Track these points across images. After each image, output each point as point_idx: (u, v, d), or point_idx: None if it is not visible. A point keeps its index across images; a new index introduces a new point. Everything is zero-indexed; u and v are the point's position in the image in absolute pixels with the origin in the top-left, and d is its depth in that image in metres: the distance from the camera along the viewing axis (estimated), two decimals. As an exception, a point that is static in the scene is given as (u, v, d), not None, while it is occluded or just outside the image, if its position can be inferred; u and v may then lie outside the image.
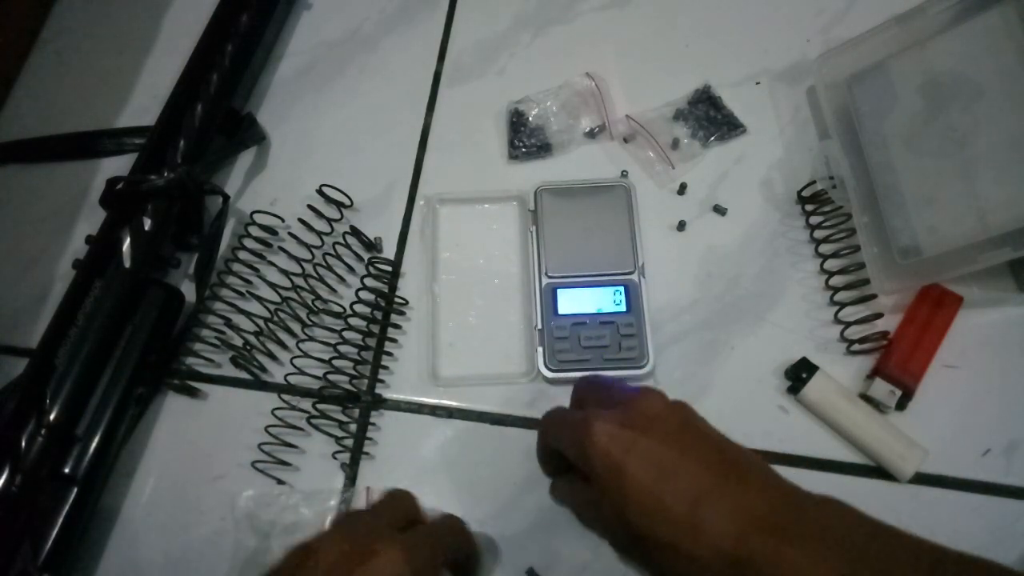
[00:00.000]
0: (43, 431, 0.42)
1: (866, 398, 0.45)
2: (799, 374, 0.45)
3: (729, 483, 0.31)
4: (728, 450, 0.33)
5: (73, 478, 0.42)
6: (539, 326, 0.47)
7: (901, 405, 0.44)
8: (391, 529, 0.36)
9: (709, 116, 0.54)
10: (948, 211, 0.44)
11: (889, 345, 0.46)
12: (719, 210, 0.52)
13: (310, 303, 0.49)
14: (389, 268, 0.51)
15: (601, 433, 0.33)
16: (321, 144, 0.56)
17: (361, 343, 0.48)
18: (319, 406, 0.46)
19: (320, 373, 0.47)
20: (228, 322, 0.49)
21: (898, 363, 0.45)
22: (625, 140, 0.54)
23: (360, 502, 0.44)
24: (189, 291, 0.50)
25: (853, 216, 0.48)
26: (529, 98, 0.55)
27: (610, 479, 0.32)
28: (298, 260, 0.50)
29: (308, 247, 0.50)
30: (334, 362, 0.47)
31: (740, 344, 0.48)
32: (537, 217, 0.50)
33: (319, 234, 0.51)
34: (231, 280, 0.50)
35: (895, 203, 0.46)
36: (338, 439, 0.46)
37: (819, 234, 0.49)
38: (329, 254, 0.50)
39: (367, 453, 0.46)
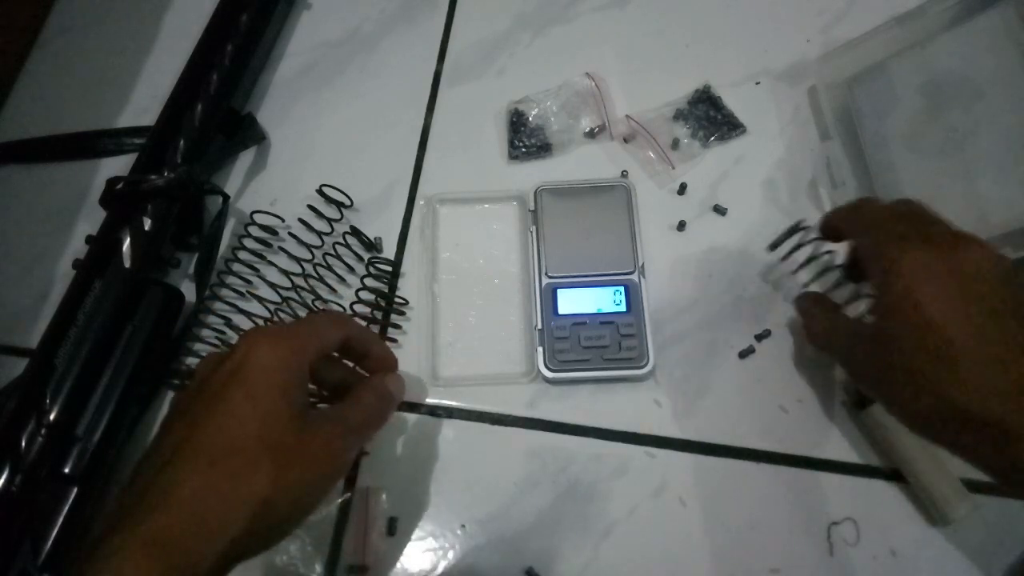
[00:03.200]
0: (43, 431, 0.42)
1: None
2: None
3: None
4: None
5: (73, 478, 0.42)
6: (539, 326, 0.47)
7: None
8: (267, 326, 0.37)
9: (709, 116, 0.54)
10: (948, 211, 0.44)
11: None
12: (719, 210, 0.52)
13: (310, 303, 0.49)
14: (389, 268, 0.51)
15: (915, 264, 0.31)
16: (321, 144, 0.56)
17: (361, 343, 0.48)
18: (319, 406, 0.46)
19: (320, 373, 0.47)
20: (228, 322, 0.49)
21: None
22: (625, 140, 0.54)
23: (360, 503, 0.44)
24: (189, 291, 0.50)
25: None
26: (529, 98, 0.55)
27: (904, 314, 0.31)
28: (298, 260, 0.50)
29: (308, 247, 0.50)
30: (334, 362, 0.47)
31: (740, 344, 0.48)
32: (537, 217, 0.50)
33: (319, 234, 0.51)
34: (231, 280, 0.50)
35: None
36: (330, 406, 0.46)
37: (803, 276, 0.47)
38: (329, 254, 0.50)
39: (367, 453, 0.46)
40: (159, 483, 0.30)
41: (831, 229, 0.40)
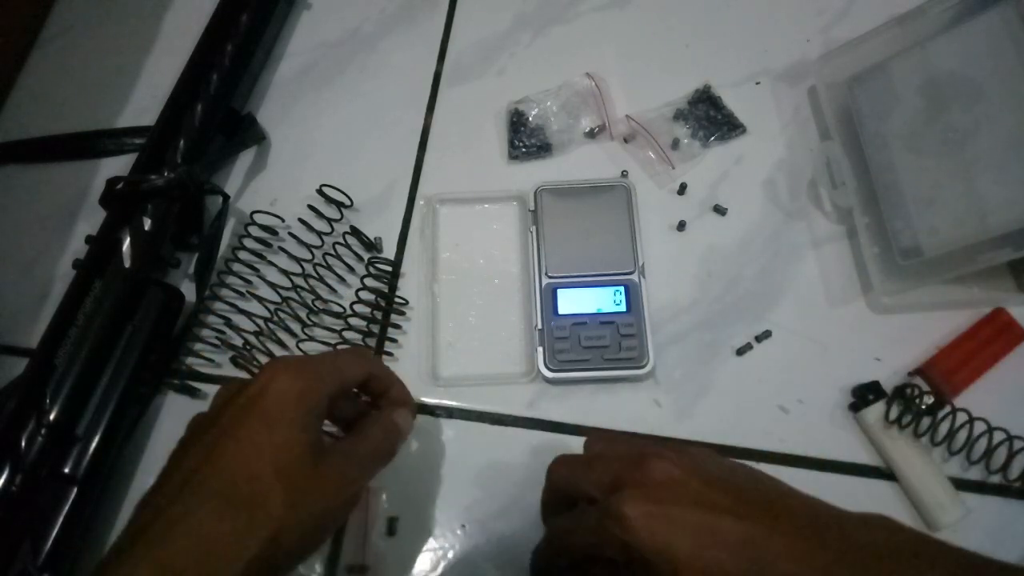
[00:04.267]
0: (43, 431, 0.42)
1: (899, 389, 0.44)
2: (866, 395, 0.45)
3: (774, 528, 0.29)
4: (750, 490, 0.31)
5: (73, 478, 0.42)
6: (539, 326, 0.47)
7: (930, 410, 0.43)
8: (290, 356, 0.37)
9: (709, 116, 0.54)
10: (949, 211, 0.44)
11: (943, 351, 0.46)
12: (719, 210, 0.52)
13: (310, 303, 0.49)
14: (389, 268, 0.51)
15: (639, 518, 0.29)
16: (321, 144, 0.56)
17: (361, 343, 0.48)
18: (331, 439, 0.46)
19: (320, 373, 0.47)
20: (228, 322, 0.49)
21: (944, 371, 0.45)
22: (625, 140, 0.54)
23: (360, 503, 0.44)
24: (189, 291, 0.50)
25: (854, 216, 0.48)
26: (529, 98, 0.55)
27: (662, 561, 0.29)
28: (298, 260, 0.50)
29: (308, 247, 0.50)
30: (334, 362, 0.47)
31: (740, 344, 0.48)
32: (537, 217, 0.50)
33: (319, 234, 0.51)
34: (231, 280, 0.50)
35: (896, 203, 0.46)
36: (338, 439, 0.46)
37: None
38: (329, 254, 0.50)
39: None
40: (173, 507, 0.30)
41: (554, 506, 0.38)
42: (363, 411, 0.40)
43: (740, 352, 0.47)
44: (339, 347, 0.48)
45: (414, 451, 0.46)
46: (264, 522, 0.30)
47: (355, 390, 0.40)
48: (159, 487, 0.32)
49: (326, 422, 0.37)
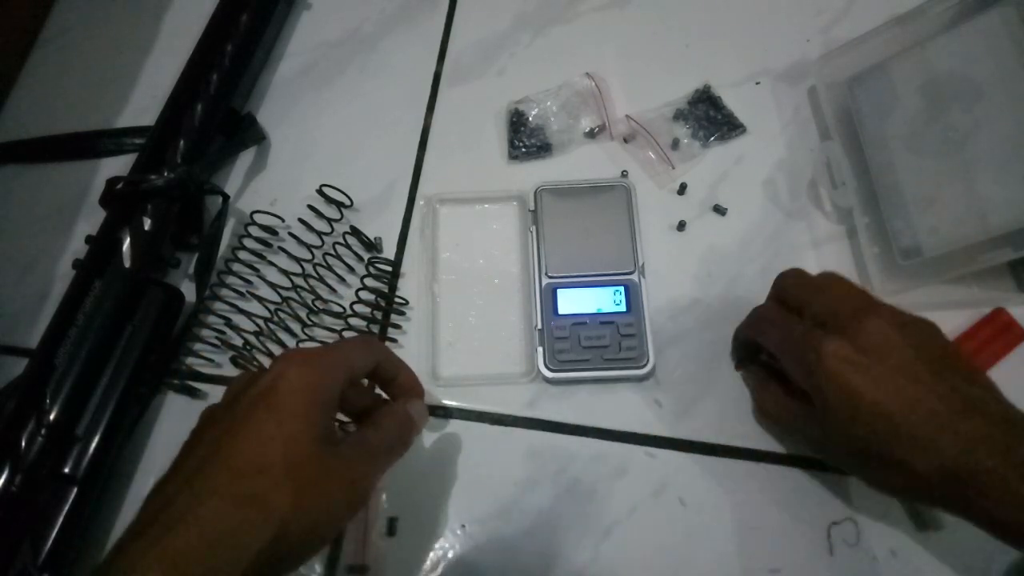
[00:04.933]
0: (43, 431, 0.42)
1: None
2: None
3: (962, 414, 0.33)
4: (960, 386, 0.34)
5: (73, 478, 0.42)
6: (539, 326, 0.47)
7: None
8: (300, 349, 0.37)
9: (709, 116, 0.54)
10: (949, 211, 0.44)
11: None
12: (719, 210, 0.52)
13: (310, 303, 0.49)
14: (389, 268, 0.51)
15: (834, 359, 0.34)
16: (321, 144, 0.56)
17: (361, 343, 0.48)
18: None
19: (320, 373, 0.47)
20: (228, 322, 0.49)
21: None
22: (625, 140, 0.54)
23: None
24: (189, 291, 0.50)
25: (854, 217, 0.48)
26: (529, 98, 0.55)
27: (842, 405, 0.34)
28: (298, 260, 0.50)
29: (308, 247, 0.50)
30: (334, 362, 0.47)
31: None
32: (537, 217, 0.50)
33: (319, 234, 0.51)
34: (231, 280, 0.50)
35: (896, 203, 0.46)
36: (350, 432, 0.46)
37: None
38: (329, 254, 0.50)
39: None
40: (181, 498, 0.30)
41: (749, 345, 0.44)
42: (372, 400, 0.40)
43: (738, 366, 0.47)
44: (345, 334, 0.48)
45: (414, 451, 0.46)
46: (271, 515, 0.30)
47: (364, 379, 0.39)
48: (169, 478, 0.32)
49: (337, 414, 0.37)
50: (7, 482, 0.41)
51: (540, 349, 0.47)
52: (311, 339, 0.48)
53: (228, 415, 0.33)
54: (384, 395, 0.41)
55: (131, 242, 0.47)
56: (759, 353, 0.45)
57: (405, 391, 0.40)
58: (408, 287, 0.51)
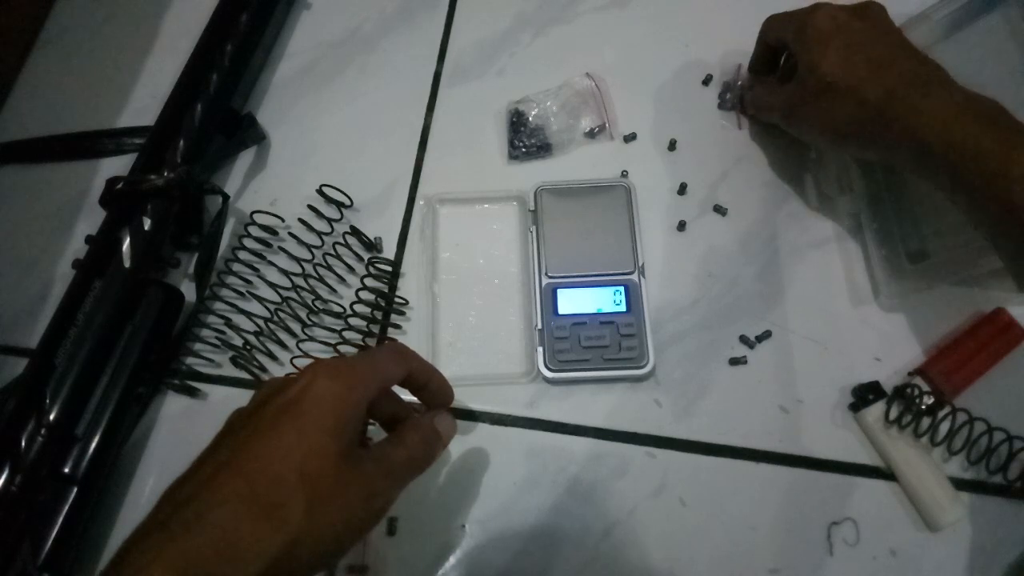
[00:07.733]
0: (43, 431, 0.42)
1: (899, 389, 0.44)
2: (866, 395, 0.45)
3: (911, 70, 0.41)
4: (916, 56, 0.42)
5: (73, 478, 0.42)
6: (539, 326, 0.47)
7: (930, 410, 0.43)
8: (332, 360, 0.37)
9: (709, 116, 0.54)
10: (954, 214, 0.44)
11: (943, 351, 0.46)
12: (719, 210, 0.52)
13: (310, 303, 0.49)
14: (389, 268, 0.51)
15: (824, 12, 0.43)
16: (321, 144, 0.56)
17: (361, 343, 0.48)
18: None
19: (320, 373, 0.47)
20: (228, 322, 0.49)
21: (944, 371, 0.45)
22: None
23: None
24: (189, 291, 0.50)
25: (861, 220, 0.48)
26: (529, 98, 0.55)
27: (815, 42, 0.42)
28: (298, 260, 0.50)
29: (308, 247, 0.50)
30: (334, 362, 0.47)
31: (740, 345, 0.48)
32: (537, 217, 0.50)
33: (319, 234, 0.51)
34: (231, 280, 0.50)
35: (903, 207, 0.47)
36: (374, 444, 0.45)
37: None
38: (329, 254, 0.50)
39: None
40: (197, 501, 0.30)
41: (765, 50, 0.51)
42: (400, 408, 0.39)
43: (734, 363, 0.47)
44: (345, 334, 0.48)
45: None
46: (283, 526, 0.30)
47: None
48: (186, 478, 0.32)
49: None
50: (7, 482, 0.41)
51: (540, 349, 0.47)
52: (311, 339, 0.48)
53: (251, 422, 0.33)
54: (415, 399, 0.41)
55: (131, 242, 0.47)
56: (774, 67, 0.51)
57: (436, 398, 0.40)
58: (408, 287, 0.51)
